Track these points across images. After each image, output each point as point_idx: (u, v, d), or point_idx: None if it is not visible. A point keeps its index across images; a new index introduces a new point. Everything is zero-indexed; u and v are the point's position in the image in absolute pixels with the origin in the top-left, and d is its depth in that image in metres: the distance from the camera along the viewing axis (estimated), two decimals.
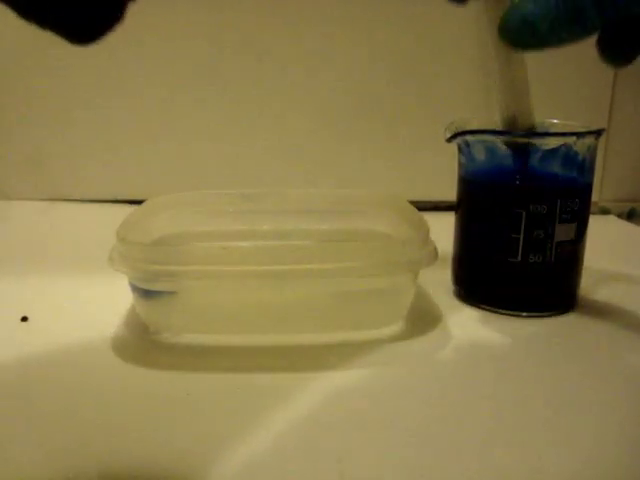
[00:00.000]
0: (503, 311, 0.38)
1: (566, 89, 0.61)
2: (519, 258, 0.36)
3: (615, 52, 0.30)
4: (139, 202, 0.41)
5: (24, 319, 0.36)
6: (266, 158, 0.63)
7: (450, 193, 0.40)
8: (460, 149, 0.38)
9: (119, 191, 0.62)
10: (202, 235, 0.43)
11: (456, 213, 0.40)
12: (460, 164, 0.39)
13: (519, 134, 0.35)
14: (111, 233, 0.34)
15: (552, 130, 0.38)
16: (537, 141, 0.35)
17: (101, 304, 0.39)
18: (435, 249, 0.34)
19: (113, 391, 0.30)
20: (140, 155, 0.62)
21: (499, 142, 0.36)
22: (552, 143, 0.35)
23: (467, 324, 0.37)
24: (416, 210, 0.39)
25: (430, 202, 0.59)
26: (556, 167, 0.36)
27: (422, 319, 0.37)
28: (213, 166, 0.63)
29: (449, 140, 0.38)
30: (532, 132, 0.35)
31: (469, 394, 0.30)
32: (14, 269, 0.45)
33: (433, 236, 0.35)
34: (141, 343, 0.34)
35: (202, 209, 0.43)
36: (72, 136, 0.61)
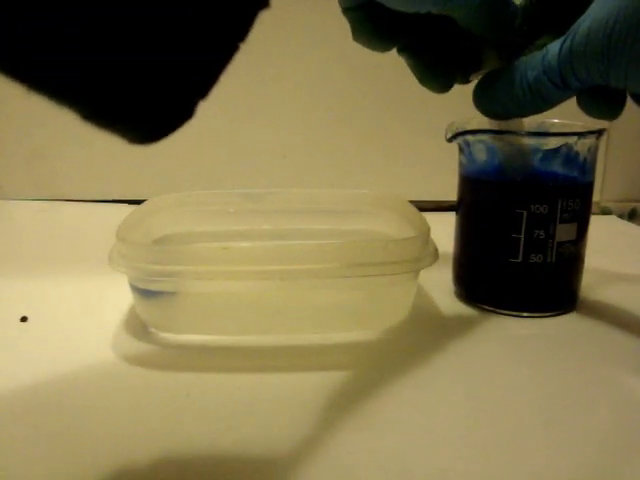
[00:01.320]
0: (504, 311, 0.37)
1: None
2: (520, 258, 0.36)
3: (594, 111, 0.30)
4: (139, 202, 0.41)
5: (23, 319, 0.36)
6: (266, 157, 0.63)
7: (451, 193, 0.40)
8: (461, 149, 0.38)
9: (119, 191, 0.62)
10: (202, 235, 0.43)
11: (457, 213, 0.40)
12: (461, 164, 0.39)
13: (520, 134, 0.35)
14: (111, 233, 0.33)
15: (553, 130, 0.38)
16: (538, 141, 0.35)
17: (101, 304, 0.39)
18: (435, 249, 0.34)
19: (112, 391, 0.30)
20: (141, 155, 0.62)
21: (499, 141, 0.36)
22: (553, 143, 0.35)
23: (467, 324, 0.37)
24: (416, 210, 0.39)
25: (431, 202, 0.59)
26: (557, 167, 0.36)
27: (423, 319, 0.37)
28: (213, 166, 0.63)
29: (450, 140, 0.38)
30: (533, 132, 0.35)
31: (469, 395, 0.30)
32: (13, 269, 0.45)
33: (434, 236, 0.35)
34: (141, 343, 0.34)
35: (202, 209, 0.43)
36: (72, 135, 0.61)
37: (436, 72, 0.33)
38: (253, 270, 0.31)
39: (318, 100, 0.62)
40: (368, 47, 0.33)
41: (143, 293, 0.33)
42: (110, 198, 0.62)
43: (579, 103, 0.31)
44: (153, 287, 0.33)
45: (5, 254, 0.49)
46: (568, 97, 0.30)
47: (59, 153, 0.61)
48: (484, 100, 0.32)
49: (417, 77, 0.34)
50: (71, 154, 0.61)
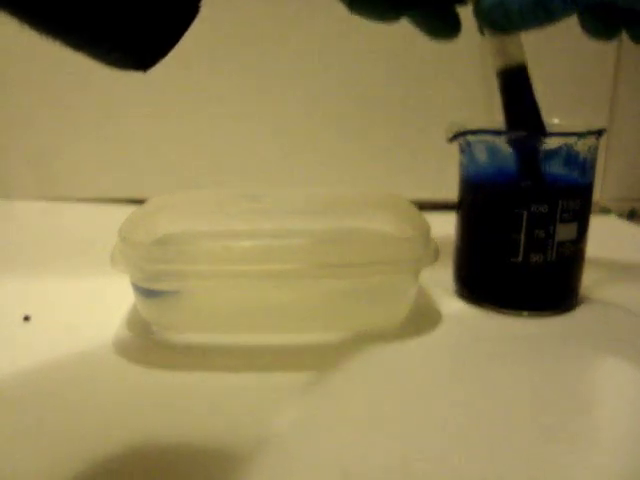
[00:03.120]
0: (504, 310, 0.38)
1: (566, 88, 0.61)
2: (520, 258, 0.36)
3: (594, 30, 0.31)
4: (141, 202, 0.41)
5: (26, 318, 0.36)
6: (267, 157, 0.63)
7: (452, 192, 0.41)
8: (461, 149, 0.39)
9: (121, 191, 0.62)
10: (204, 234, 0.43)
11: (457, 213, 0.40)
12: (461, 164, 0.39)
13: (520, 134, 0.35)
14: (113, 232, 0.34)
15: (553, 130, 0.38)
16: (538, 141, 0.35)
17: (103, 303, 0.39)
18: (436, 248, 0.35)
19: (114, 390, 0.30)
20: (142, 154, 0.62)
21: (501, 141, 0.36)
22: (553, 143, 0.35)
23: (468, 323, 0.37)
24: (417, 209, 0.39)
25: (432, 202, 0.59)
26: (557, 167, 0.36)
27: (423, 318, 0.37)
28: (214, 165, 0.63)
29: (450, 140, 0.38)
30: (534, 132, 0.35)
31: (470, 393, 0.30)
32: (15, 269, 0.45)
33: (435, 235, 0.35)
34: (143, 342, 0.34)
35: (204, 208, 0.43)
36: (74, 135, 0.61)
37: (444, 17, 0.34)
38: (255, 269, 0.31)
39: (319, 99, 0.62)
40: (369, 17, 0.33)
41: (145, 292, 0.33)
42: (112, 197, 0.62)
43: (581, 22, 0.31)
44: (155, 287, 0.33)
45: (7, 253, 0.49)
46: (570, 13, 0.29)
47: (61, 152, 0.62)
48: (487, 5, 0.31)
49: (427, 32, 0.34)
50: (73, 153, 0.62)
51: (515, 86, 0.35)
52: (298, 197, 0.44)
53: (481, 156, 0.37)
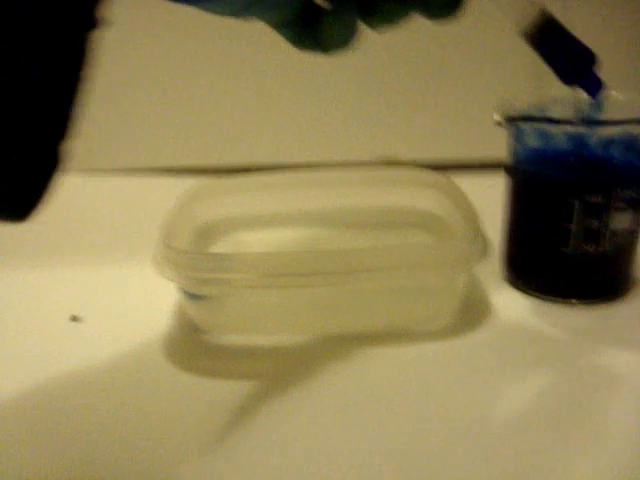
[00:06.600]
0: (554, 298, 0.37)
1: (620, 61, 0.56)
2: (572, 248, 0.35)
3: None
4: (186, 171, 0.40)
5: (74, 319, 0.37)
6: (308, 127, 0.61)
7: (495, 152, 0.39)
8: (510, 131, 0.37)
9: (163, 160, 0.61)
10: (247, 220, 0.43)
11: (506, 198, 0.38)
12: (510, 147, 0.37)
13: (578, 123, 0.33)
14: (159, 209, 0.34)
15: (614, 107, 0.35)
16: (596, 129, 0.33)
17: (149, 298, 0.39)
18: (486, 243, 0.33)
19: (163, 396, 0.30)
20: (184, 122, 0.61)
21: (555, 130, 0.34)
22: (613, 131, 0.33)
23: (517, 312, 0.36)
24: (461, 190, 0.38)
25: (474, 161, 0.57)
26: (614, 154, 0.34)
27: (472, 307, 0.37)
28: (255, 134, 0.61)
29: (499, 125, 0.36)
30: (593, 121, 0.33)
31: (521, 387, 0.30)
32: (54, 259, 0.45)
33: (477, 202, 0.35)
34: (190, 343, 0.34)
35: (246, 194, 0.43)
36: (112, 99, 0.59)
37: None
38: (302, 277, 0.31)
39: (369, 70, 0.59)
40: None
41: (190, 295, 0.33)
42: (153, 167, 0.61)
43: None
44: (199, 292, 0.33)
45: (46, 240, 0.48)
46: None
47: (96, 119, 0.60)
48: None
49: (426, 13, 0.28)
50: (110, 119, 0.60)
51: (549, 42, 0.31)
52: (342, 176, 0.43)
53: (532, 141, 0.35)
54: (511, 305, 0.37)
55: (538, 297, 0.37)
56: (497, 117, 0.36)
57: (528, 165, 0.36)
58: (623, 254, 0.36)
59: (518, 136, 0.36)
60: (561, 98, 0.38)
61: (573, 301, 0.37)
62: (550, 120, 0.34)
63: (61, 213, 0.53)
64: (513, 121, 0.35)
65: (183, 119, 0.61)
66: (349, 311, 0.34)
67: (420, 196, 0.42)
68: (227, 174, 0.43)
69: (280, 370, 0.32)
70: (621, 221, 0.35)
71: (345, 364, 0.32)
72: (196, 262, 0.31)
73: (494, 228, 0.38)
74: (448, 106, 0.60)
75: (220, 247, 0.41)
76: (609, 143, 0.34)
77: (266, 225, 0.43)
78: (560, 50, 0.31)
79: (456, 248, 0.32)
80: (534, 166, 0.36)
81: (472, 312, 0.36)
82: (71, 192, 0.57)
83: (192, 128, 0.61)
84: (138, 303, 0.39)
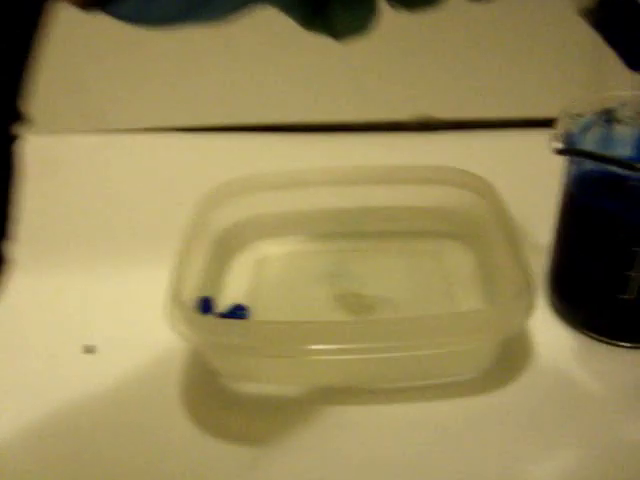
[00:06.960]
0: (604, 339, 0.34)
1: None
2: (630, 295, 0.31)
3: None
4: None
5: (89, 350, 0.35)
6: (342, 85, 0.55)
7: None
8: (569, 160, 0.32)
9: (174, 118, 0.57)
10: (268, 224, 0.40)
11: (557, 227, 0.34)
12: (568, 175, 0.32)
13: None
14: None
15: None
16: None
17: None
18: (533, 297, 0.30)
19: (176, 449, 0.29)
20: (192, 81, 0.56)
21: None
22: None
23: (562, 355, 0.33)
24: (496, 192, 0.36)
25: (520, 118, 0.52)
26: None
27: (515, 341, 0.34)
28: (286, 90, 0.56)
29: (558, 153, 0.31)
30: None
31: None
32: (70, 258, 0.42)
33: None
34: (207, 388, 0.33)
35: (273, 191, 0.40)
36: (111, 64, 0.54)
37: None
38: (326, 349, 0.28)
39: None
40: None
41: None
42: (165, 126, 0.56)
43: None
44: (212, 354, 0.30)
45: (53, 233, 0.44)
46: None
47: (105, 79, 0.55)
48: None
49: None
50: (120, 78, 0.55)
51: (610, 18, 0.26)
52: (370, 172, 0.40)
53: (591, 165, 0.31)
54: (555, 345, 0.34)
55: (585, 334, 0.34)
56: (555, 143, 0.31)
57: (587, 199, 0.32)
58: None
59: (577, 162, 0.31)
60: (630, 99, 0.34)
61: (624, 344, 0.33)
62: (618, 162, 0.28)
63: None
64: (575, 154, 0.30)
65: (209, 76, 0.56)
66: (380, 366, 0.31)
67: (454, 197, 0.39)
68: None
69: (304, 423, 0.30)
70: None
71: (363, 421, 0.30)
72: (210, 326, 0.29)
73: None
74: (489, 64, 0.53)
75: (240, 263, 0.39)
76: None
77: (288, 230, 0.40)
78: (623, 28, 0.26)
79: (503, 315, 0.29)
80: (594, 202, 0.31)
81: (514, 349, 0.33)
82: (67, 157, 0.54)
83: (219, 85, 0.56)
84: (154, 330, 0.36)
